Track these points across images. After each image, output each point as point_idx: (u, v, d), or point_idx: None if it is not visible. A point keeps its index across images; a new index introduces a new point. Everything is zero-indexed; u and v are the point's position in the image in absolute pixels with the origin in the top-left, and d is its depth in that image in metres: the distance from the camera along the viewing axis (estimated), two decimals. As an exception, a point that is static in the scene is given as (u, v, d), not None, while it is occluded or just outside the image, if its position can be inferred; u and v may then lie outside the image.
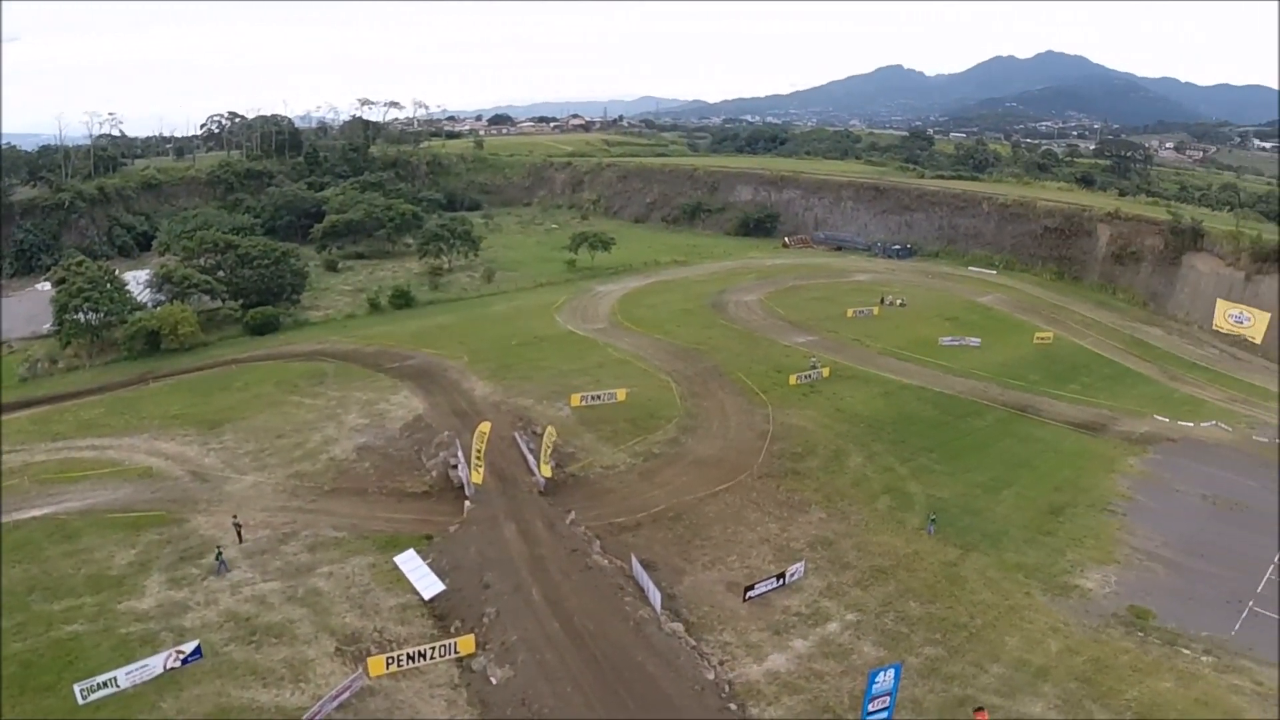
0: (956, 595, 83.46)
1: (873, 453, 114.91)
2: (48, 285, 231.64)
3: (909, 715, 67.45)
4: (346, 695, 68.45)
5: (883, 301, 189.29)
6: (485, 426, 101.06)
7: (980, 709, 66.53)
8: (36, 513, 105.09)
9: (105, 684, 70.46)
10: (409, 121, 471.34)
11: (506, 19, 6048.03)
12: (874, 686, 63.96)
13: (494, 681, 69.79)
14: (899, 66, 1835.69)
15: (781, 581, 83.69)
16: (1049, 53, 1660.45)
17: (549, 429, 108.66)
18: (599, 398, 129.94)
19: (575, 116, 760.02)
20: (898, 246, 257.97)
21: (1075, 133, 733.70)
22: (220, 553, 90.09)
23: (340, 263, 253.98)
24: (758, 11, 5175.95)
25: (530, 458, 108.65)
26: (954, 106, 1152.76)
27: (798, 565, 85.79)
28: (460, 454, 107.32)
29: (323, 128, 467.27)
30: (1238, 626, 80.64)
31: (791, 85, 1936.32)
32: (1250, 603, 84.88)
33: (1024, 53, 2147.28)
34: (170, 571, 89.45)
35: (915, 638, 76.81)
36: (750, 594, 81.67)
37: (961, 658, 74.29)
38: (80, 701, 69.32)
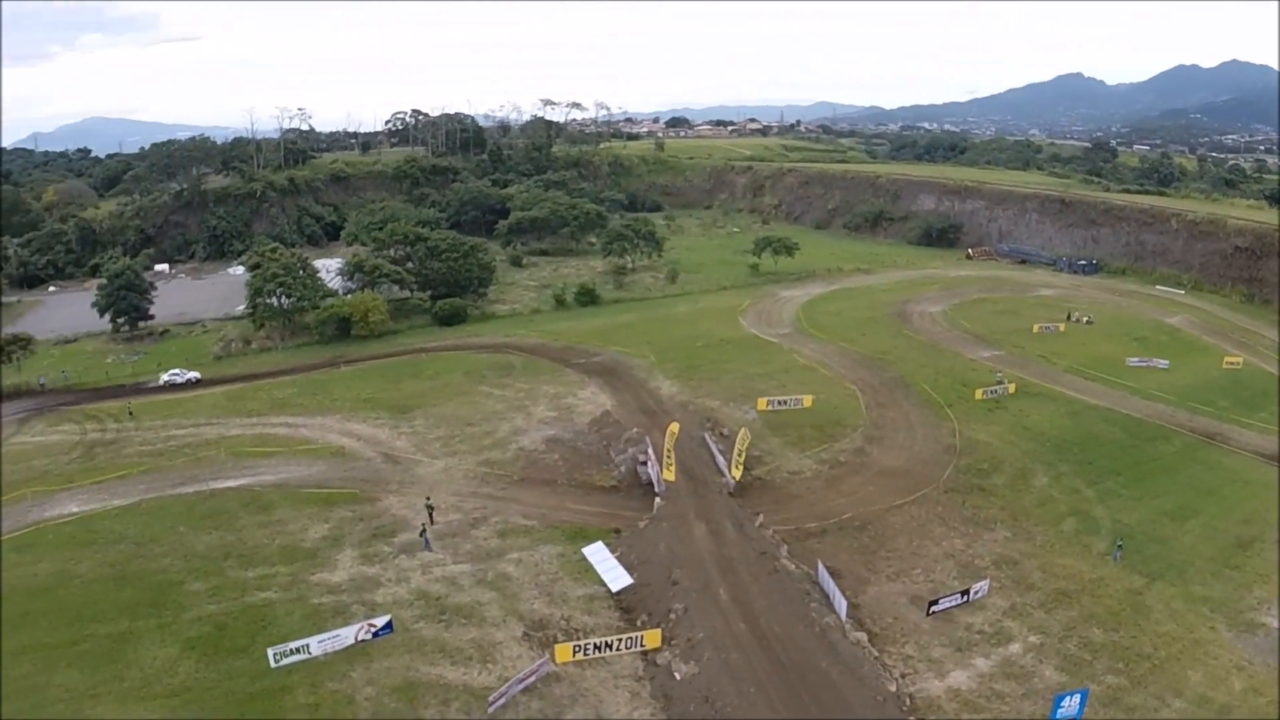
0: (1140, 625, 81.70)
1: (1059, 473, 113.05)
2: (240, 269, 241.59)
3: (1090, 744, 66.61)
4: (533, 679, 70.10)
5: (1069, 318, 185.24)
6: (675, 426, 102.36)
7: (1166, 741, 65.67)
8: (231, 483, 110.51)
9: (298, 650, 73.74)
10: (586, 122, 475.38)
11: (687, 17, 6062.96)
12: (1059, 711, 63.71)
13: (678, 677, 70.61)
14: (1079, 74, 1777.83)
15: (965, 598, 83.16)
16: (1233, 62, 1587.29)
17: (742, 432, 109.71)
18: (785, 403, 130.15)
19: (752, 120, 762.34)
20: (1083, 262, 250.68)
21: (1262, 147, 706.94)
22: (425, 529, 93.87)
23: (525, 258, 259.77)
24: (938, 13, 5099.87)
25: (720, 459, 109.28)
26: (1135, 117, 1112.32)
27: (982, 583, 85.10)
28: (650, 451, 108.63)
29: (503, 127, 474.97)
30: None
31: (969, 92, 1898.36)
32: None
33: (1207, 61, 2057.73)
34: (362, 547, 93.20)
35: (1098, 665, 75.44)
36: (934, 609, 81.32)
37: (1144, 689, 72.81)
38: (272, 665, 72.59)
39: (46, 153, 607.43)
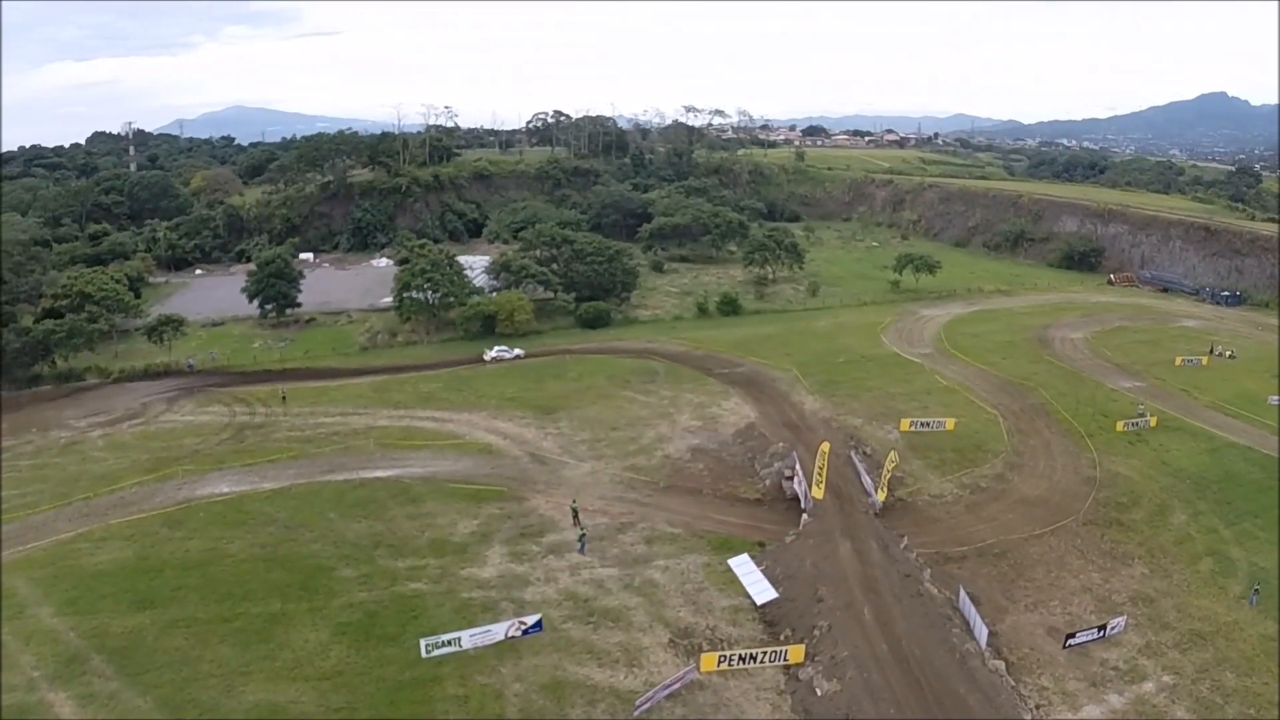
0: (1273, 671, 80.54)
1: (1197, 511, 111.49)
2: (384, 262, 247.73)
3: (1220, 790, 66.77)
4: (678, 686, 71.83)
5: (1211, 351, 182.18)
6: (826, 446, 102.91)
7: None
8: (380, 474, 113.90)
9: (449, 643, 76.46)
10: (724, 128, 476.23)
11: (821, 23, 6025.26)
12: (1194, 751, 64.40)
13: (819, 693, 71.82)
14: (1223, 94, 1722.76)
15: (1102, 634, 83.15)
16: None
17: (891, 454, 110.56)
18: (928, 425, 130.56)
19: (890, 132, 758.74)
20: (1226, 293, 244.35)
21: None
22: (583, 534, 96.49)
23: (665, 264, 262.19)
24: (1081, 15, 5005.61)
25: (866, 478, 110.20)
26: None
27: (1119, 619, 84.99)
28: (798, 466, 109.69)
29: (641, 131, 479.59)
30: None
31: (1109, 109, 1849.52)
32: None
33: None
34: (511, 545, 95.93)
35: (1229, 709, 75.02)
36: (1070, 642, 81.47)
37: (1274, 736, 72.19)
38: (423, 655, 75.17)
39: (191, 139, 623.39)
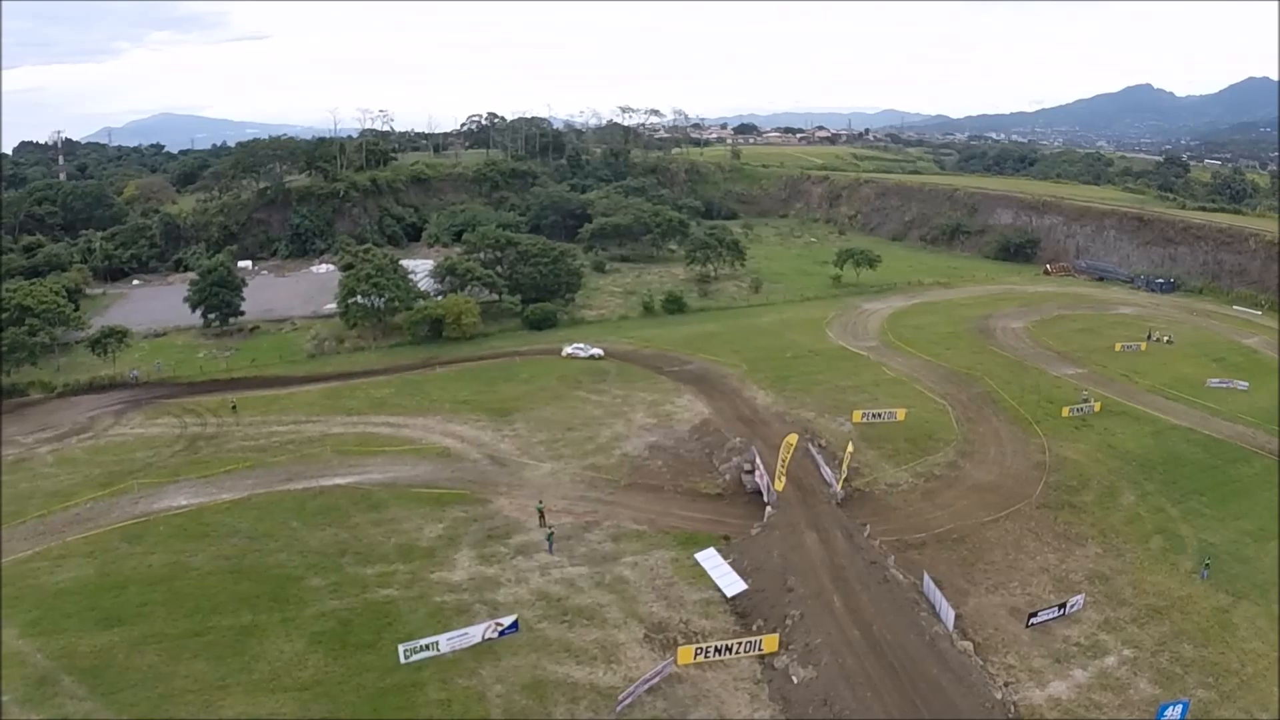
0: (1228, 641, 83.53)
1: (1145, 492, 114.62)
2: (325, 268, 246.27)
3: (1187, 756, 68.68)
4: (657, 679, 73.03)
5: (1149, 337, 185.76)
6: (792, 438, 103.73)
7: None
8: (340, 481, 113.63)
9: (427, 647, 76.78)
10: (656, 127, 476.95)
11: (750, 23, 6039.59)
12: (1161, 720, 66.26)
13: (795, 681, 73.31)
14: (1148, 86, 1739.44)
15: (1062, 612, 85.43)
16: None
17: (848, 445, 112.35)
18: (879, 416, 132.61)
19: (821, 128, 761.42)
20: (1160, 280, 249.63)
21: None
22: (552, 533, 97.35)
23: (607, 264, 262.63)
24: (1009, 16, 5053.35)
25: (826, 470, 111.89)
26: (1204, 129, 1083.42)
27: (1078, 597, 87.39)
28: (758, 460, 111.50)
29: (576, 132, 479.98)
30: None
31: (1036, 102, 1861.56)
32: None
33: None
34: (479, 548, 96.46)
35: (1189, 679, 77.47)
36: (1033, 621, 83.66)
37: (1233, 703, 74.86)
38: (402, 660, 75.48)
39: (120, 147, 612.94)
